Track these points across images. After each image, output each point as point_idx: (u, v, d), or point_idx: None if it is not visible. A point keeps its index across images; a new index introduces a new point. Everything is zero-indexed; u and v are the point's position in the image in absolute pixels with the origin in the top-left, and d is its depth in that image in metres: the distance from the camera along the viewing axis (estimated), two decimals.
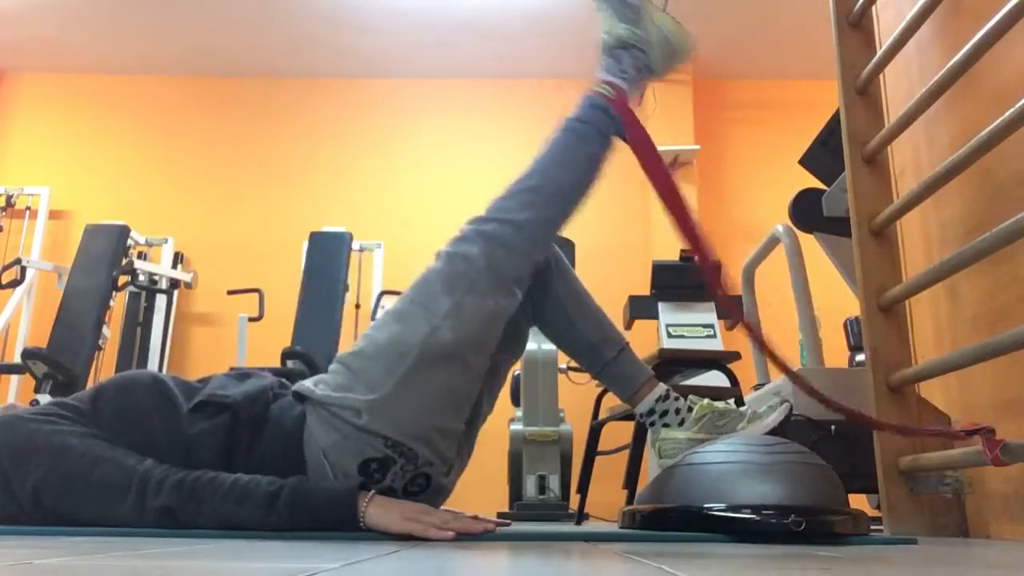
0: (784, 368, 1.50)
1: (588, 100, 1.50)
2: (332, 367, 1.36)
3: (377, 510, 1.16)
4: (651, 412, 1.50)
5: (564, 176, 1.43)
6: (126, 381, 1.39)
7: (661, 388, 1.51)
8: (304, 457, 1.30)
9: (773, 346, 1.48)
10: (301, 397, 1.34)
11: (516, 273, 1.37)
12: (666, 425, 1.48)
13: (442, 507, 1.31)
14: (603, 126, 1.47)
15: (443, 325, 1.29)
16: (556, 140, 1.46)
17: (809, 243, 2.75)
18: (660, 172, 1.47)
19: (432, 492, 1.34)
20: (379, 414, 1.26)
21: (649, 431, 1.55)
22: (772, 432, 1.44)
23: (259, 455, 1.31)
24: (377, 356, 1.30)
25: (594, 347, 1.51)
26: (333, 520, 1.18)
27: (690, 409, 1.49)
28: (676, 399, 1.50)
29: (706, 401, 1.50)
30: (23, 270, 5.00)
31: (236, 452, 1.31)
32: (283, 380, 1.47)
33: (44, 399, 3.92)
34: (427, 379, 1.29)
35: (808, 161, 2.68)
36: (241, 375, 1.45)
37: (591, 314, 1.53)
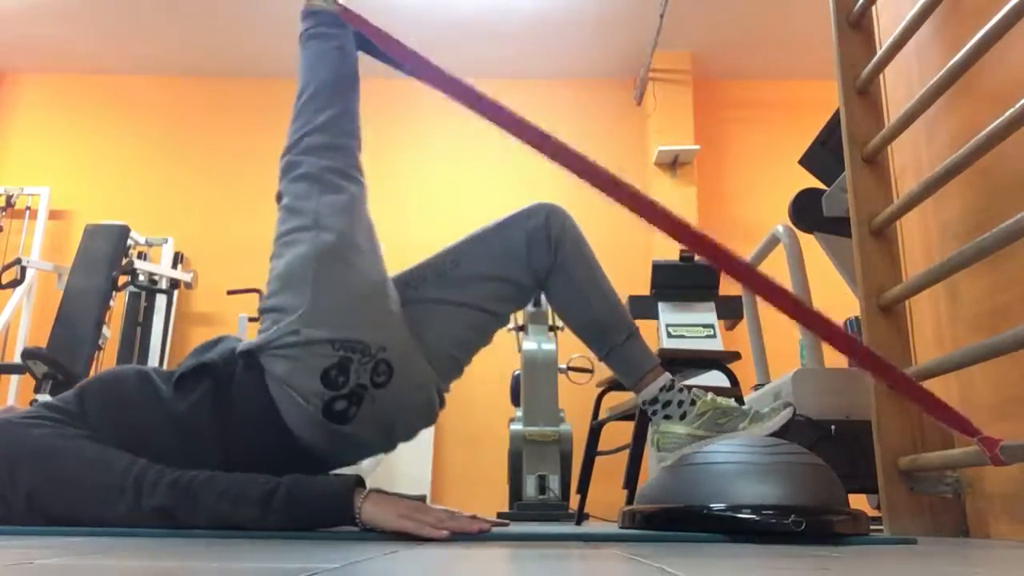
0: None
1: (304, 12, 1.60)
2: (260, 322, 1.41)
3: (373, 507, 1.16)
4: (654, 401, 1.50)
5: (328, 72, 1.55)
6: (108, 376, 1.40)
7: (666, 377, 1.51)
8: (273, 400, 1.32)
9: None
10: (247, 353, 1.37)
11: (346, 163, 1.49)
12: (667, 417, 1.49)
13: (440, 506, 1.31)
14: (329, 21, 1.58)
15: (320, 230, 1.39)
16: (303, 53, 1.58)
17: (809, 243, 2.76)
18: (416, 62, 1.51)
19: (403, 380, 1.36)
20: (313, 322, 1.32)
21: (650, 425, 1.55)
22: (774, 436, 1.44)
23: (238, 413, 1.33)
24: (286, 284, 1.37)
25: (603, 329, 1.52)
26: (329, 518, 1.18)
27: (693, 403, 1.49)
28: (680, 390, 1.50)
29: (710, 396, 1.50)
30: (23, 270, 5.00)
31: (224, 415, 1.32)
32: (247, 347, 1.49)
33: (44, 399, 3.92)
34: (335, 276, 1.36)
35: (808, 161, 2.68)
36: (210, 343, 1.49)
37: (603, 294, 1.54)
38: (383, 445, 1.46)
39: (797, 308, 1.32)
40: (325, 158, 1.47)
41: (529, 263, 1.50)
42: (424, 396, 1.44)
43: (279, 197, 1.48)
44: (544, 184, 3.10)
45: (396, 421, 1.42)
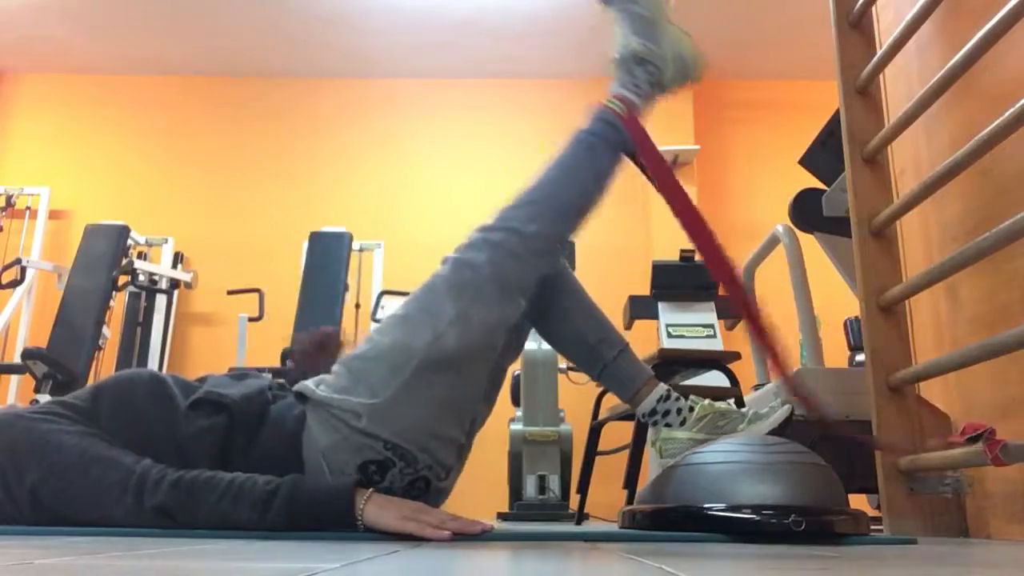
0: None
1: (599, 114, 1.49)
2: (335, 368, 1.36)
3: (375, 509, 1.16)
4: (653, 412, 1.50)
5: (572, 190, 1.44)
6: (125, 379, 1.39)
7: (662, 388, 1.51)
8: (303, 458, 1.30)
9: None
10: (303, 397, 1.34)
11: (521, 283, 1.38)
12: (668, 425, 1.49)
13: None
14: (613, 141, 1.47)
15: (447, 333, 1.29)
16: (566, 152, 1.47)
17: (809, 243, 2.75)
18: (675, 190, 1.46)
19: (431, 495, 1.34)
20: (379, 418, 1.27)
21: (650, 430, 1.55)
22: (773, 434, 1.44)
23: (257, 456, 1.31)
24: (380, 360, 1.31)
25: (593, 349, 1.51)
26: (330, 519, 1.18)
27: (691, 409, 1.49)
28: (677, 399, 1.50)
29: (707, 401, 1.50)
30: (23, 270, 5.00)
31: (232, 453, 1.31)
32: (281, 382, 1.47)
33: (44, 399, 3.92)
34: (428, 386, 1.29)
35: (808, 161, 2.68)
36: (239, 375, 1.45)
37: (592, 317, 1.53)
38: None
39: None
40: (504, 265, 1.35)
41: (525, 312, 1.45)
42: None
43: (444, 261, 1.38)
44: None
45: None
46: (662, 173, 1.47)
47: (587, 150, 1.46)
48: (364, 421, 1.27)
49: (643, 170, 1.52)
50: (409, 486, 1.31)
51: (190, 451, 1.29)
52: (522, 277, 1.38)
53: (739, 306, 1.49)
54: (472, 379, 1.35)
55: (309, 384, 1.34)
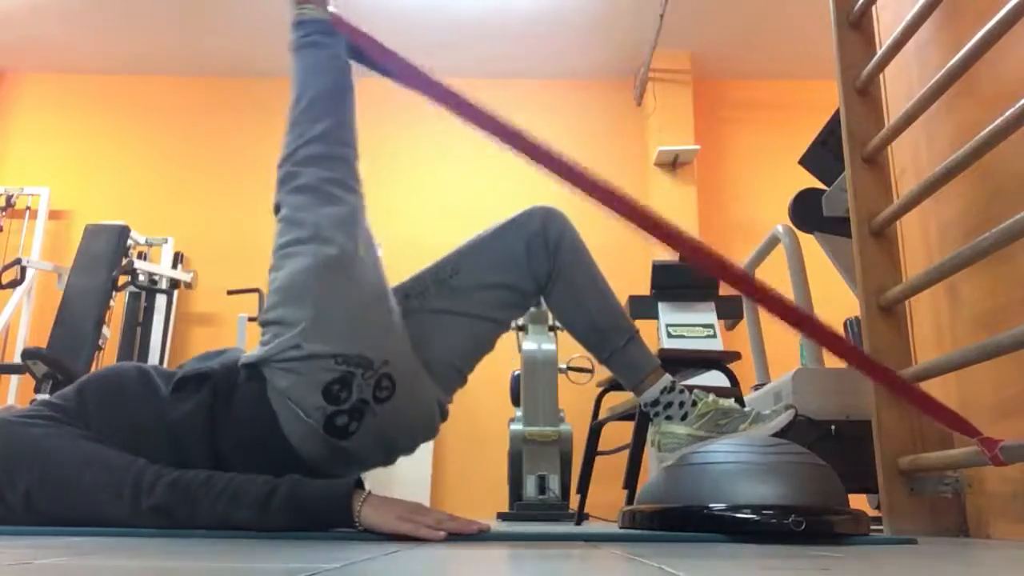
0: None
1: (295, 21, 1.60)
2: (261, 334, 1.39)
3: (372, 510, 1.16)
4: (655, 403, 1.50)
5: (323, 82, 1.53)
6: (109, 373, 1.40)
7: (667, 379, 1.51)
8: (274, 412, 1.31)
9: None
10: (250, 366, 1.35)
11: (345, 173, 1.47)
12: (668, 418, 1.49)
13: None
14: (324, 29, 1.56)
15: (320, 242, 1.36)
16: (297, 61, 1.56)
17: (809, 243, 2.75)
18: (408, 72, 1.49)
19: (406, 395, 1.35)
20: (316, 336, 1.30)
21: (650, 429, 1.54)
22: (775, 436, 1.44)
23: (237, 423, 1.32)
24: (287, 297, 1.35)
25: (603, 332, 1.52)
26: (328, 520, 1.18)
27: (694, 404, 1.49)
28: (681, 392, 1.50)
29: (711, 397, 1.50)
30: (23, 270, 5.00)
31: (218, 426, 1.31)
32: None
33: (44, 399, 3.91)
34: (337, 289, 1.35)
35: (808, 161, 2.68)
36: (215, 352, 1.47)
37: (602, 298, 1.53)
38: (383, 460, 1.44)
39: (794, 314, 1.33)
40: (324, 169, 1.44)
41: (530, 268, 1.49)
42: (426, 410, 1.44)
43: (277, 208, 1.45)
44: (543, 181, 3.09)
45: (397, 436, 1.42)
46: (388, 59, 1.52)
47: (310, 48, 1.56)
48: (306, 347, 1.30)
49: (376, 67, 1.59)
50: (377, 388, 1.32)
51: (181, 435, 1.30)
52: (342, 169, 1.47)
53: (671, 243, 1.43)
54: (369, 267, 1.40)
55: (248, 354, 1.37)
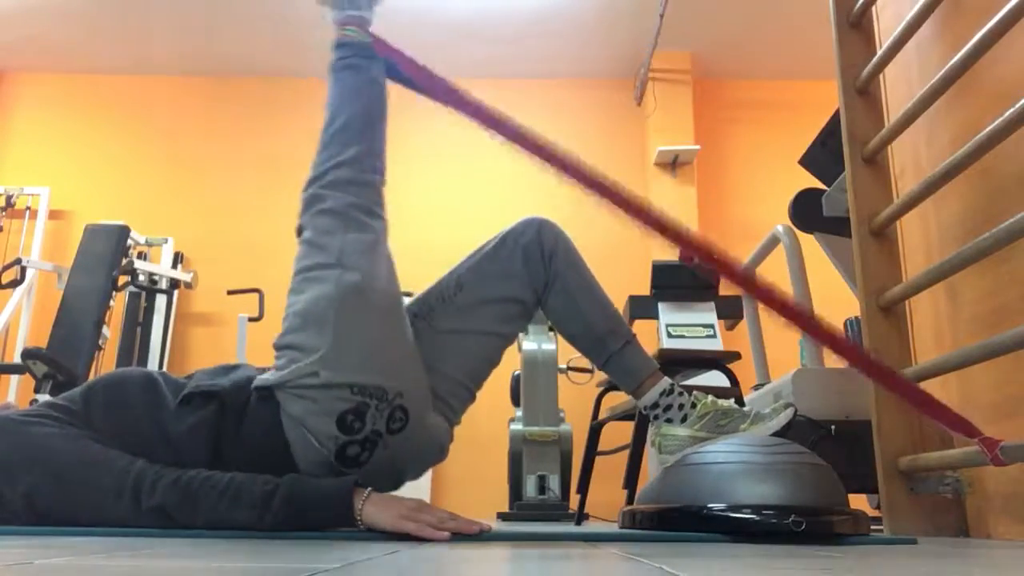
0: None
1: (338, 42, 1.58)
2: (275, 355, 1.38)
3: (373, 508, 1.16)
4: (655, 406, 1.50)
5: (359, 106, 1.51)
6: (117, 378, 1.39)
7: (666, 382, 1.51)
8: (286, 437, 1.31)
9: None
10: (264, 389, 1.34)
11: (371, 200, 1.45)
12: (668, 420, 1.49)
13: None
14: (365, 53, 1.55)
15: (343, 269, 1.35)
16: (333, 83, 1.54)
17: (809, 243, 2.75)
18: (445, 91, 1.50)
19: (418, 426, 1.35)
20: (333, 365, 1.29)
21: (650, 427, 1.54)
22: (775, 436, 1.44)
23: (245, 444, 1.31)
24: (306, 322, 1.34)
25: (600, 338, 1.52)
26: (329, 519, 1.18)
27: (694, 405, 1.49)
28: (680, 394, 1.50)
29: (710, 399, 1.50)
30: (23, 270, 5.00)
31: (223, 443, 1.31)
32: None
33: (44, 399, 3.92)
34: (357, 318, 1.34)
35: (808, 161, 2.68)
36: (227, 367, 1.46)
37: (599, 304, 1.54)
38: (390, 486, 1.43)
39: (798, 315, 1.32)
40: (351, 194, 1.42)
41: (529, 279, 1.50)
42: (437, 440, 1.44)
43: (300, 230, 1.44)
44: (542, 180, 3.09)
45: (407, 465, 1.42)
46: (426, 79, 1.52)
47: (349, 70, 1.54)
48: (323, 375, 1.29)
49: (414, 87, 1.57)
50: (390, 420, 1.31)
51: (182, 449, 1.29)
52: (369, 195, 1.45)
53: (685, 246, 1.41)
54: (389, 297, 1.40)
55: (263, 376, 1.36)
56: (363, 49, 1.55)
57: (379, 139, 1.51)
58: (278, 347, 1.37)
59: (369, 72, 1.54)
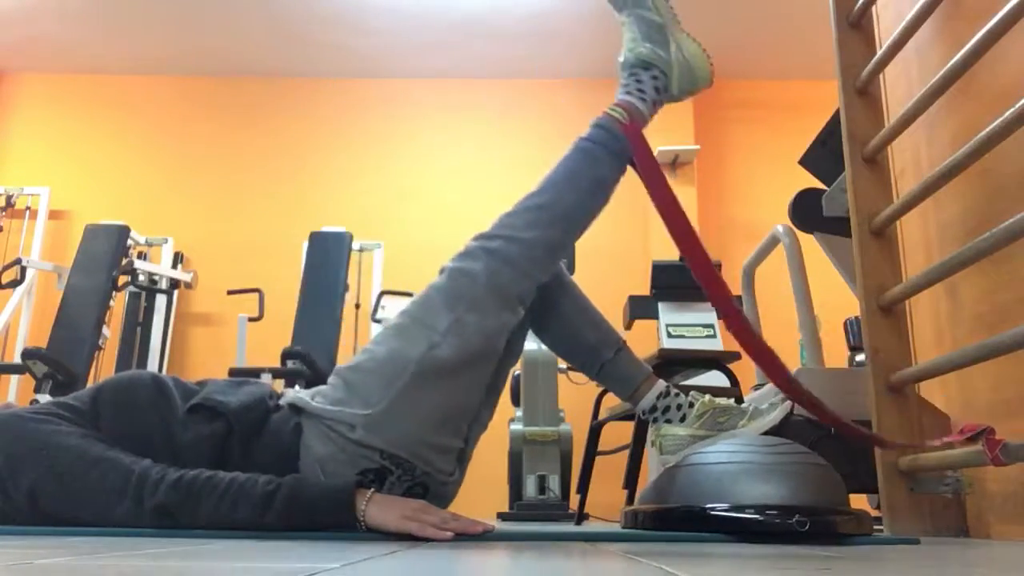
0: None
1: (600, 121, 1.48)
2: (331, 379, 1.36)
3: (376, 509, 1.16)
4: (653, 409, 1.50)
5: (572, 197, 1.41)
6: (126, 380, 1.39)
7: (661, 385, 1.51)
8: (299, 468, 1.30)
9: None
10: (297, 409, 1.33)
11: (519, 291, 1.36)
12: (668, 421, 1.49)
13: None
14: (614, 149, 1.45)
15: (442, 342, 1.29)
16: (566, 160, 1.45)
17: (809, 243, 2.75)
18: (668, 202, 1.45)
19: (431, 499, 1.34)
20: (374, 429, 1.27)
21: (650, 430, 1.55)
22: (772, 430, 1.44)
23: (253, 466, 1.29)
24: (375, 371, 1.31)
25: (592, 349, 1.51)
26: (331, 519, 1.17)
27: (691, 405, 1.49)
28: (677, 395, 1.50)
29: (708, 397, 1.50)
30: (23, 270, 5.00)
31: (228, 462, 1.30)
32: (281, 391, 1.46)
33: (44, 399, 3.92)
34: (423, 395, 1.29)
35: (808, 161, 2.68)
36: (239, 382, 1.44)
37: (589, 318, 1.53)
38: None
39: (756, 348, 1.39)
40: (503, 275, 1.34)
41: (523, 318, 1.45)
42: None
43: (443, 270, 1.37)
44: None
45: None
46: (656, 184, 1.45)
47: (587, 158, 1.45)
48: (359, 432, 1.27)
49: (640, 176, 1.51)
50: (407, 492, 1.31)
51: (187, 458, 1.29)
52: (520, 285, 1.36)
53: (729, 319, 1.43)
54: (469, 386, 1.35)
55: (304, 396, 1.34)
56: (616, 142, 1.44)
57: (568, 241, 1.43)
58: (338, 373, 1.34)
59: (606, 172, 1.44)
